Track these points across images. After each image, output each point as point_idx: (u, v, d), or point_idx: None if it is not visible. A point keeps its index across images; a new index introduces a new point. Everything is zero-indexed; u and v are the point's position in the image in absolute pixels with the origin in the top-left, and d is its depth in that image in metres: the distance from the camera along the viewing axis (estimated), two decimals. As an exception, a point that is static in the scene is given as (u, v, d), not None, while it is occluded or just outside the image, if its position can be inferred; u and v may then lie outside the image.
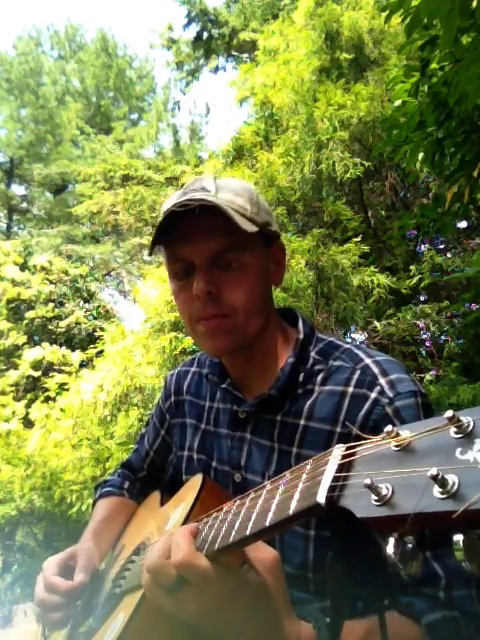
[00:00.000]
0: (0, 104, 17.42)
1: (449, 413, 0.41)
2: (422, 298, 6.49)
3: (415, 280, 5.52)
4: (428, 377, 5.00)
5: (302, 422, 1.01)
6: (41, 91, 17.44)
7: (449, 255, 6.15)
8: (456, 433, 0.41)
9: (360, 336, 6.31)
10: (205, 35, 13.01)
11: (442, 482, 0.38)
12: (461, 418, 0.41)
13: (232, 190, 1.02)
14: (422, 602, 0.85)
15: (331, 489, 0.50)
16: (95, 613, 1.12)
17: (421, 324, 5.48)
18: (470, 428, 0.40)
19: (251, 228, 0.98)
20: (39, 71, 17.85)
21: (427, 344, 5.77)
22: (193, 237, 0.99)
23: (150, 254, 1.06)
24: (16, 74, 17.25)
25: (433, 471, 0.39)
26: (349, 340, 5.81)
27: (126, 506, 1.40)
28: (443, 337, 5.74)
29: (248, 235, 0.98)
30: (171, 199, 1.04)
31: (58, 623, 1.11)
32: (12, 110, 17.49)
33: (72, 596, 1.09)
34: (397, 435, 0.46)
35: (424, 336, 5.73)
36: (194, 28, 13.07)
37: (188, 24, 12.98)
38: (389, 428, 0.47)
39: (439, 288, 6.13)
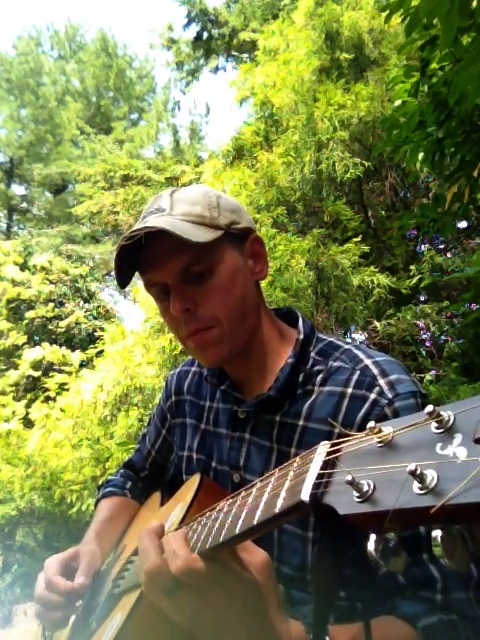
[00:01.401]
0: (0, 104, 17.45)
1: (429, 408, 0.41)
2: (422, 298, 6.49)
3: (415, 280, 5.52)
4: (428, 377, 5.01)
5: (301, 423, 1.01)
6: (41, 91, 17.47)
7: (449, 255, 6.15)
8: (437, 428, 0.40)
9: (360, 336, 6.32)
10: (205, 35, 13.03)
11: (421, 477, 0.38)
12: (441, 413, 0.40)
13: (189, 200, 1.02)
14: (418, 606, 0.84)
15: (316, 486, 0.50)
16: (95, 613, 1.12)
17: (421, 324, 5.48)
18: (450, 423, 0.40)
19: (210, 236, 0.98)
20: (39, 71, 17.88)
21: (427, 344, 5.77)
22: (157, 260, 1.00)
23: (121, 287, 1.06)
24: (16, 74, 17.29)
25: (411, 467, 0.38)
26: (349, 340, 5.81)
27: (128, 506, 1.40)
28: (443, 337, 5.74)
29: (210, 243, 0.97)
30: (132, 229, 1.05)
31: (57, 622, 1.11)
32: (12, 110, 17.54)
33: (71, 597, 1.08)
34: (380, 431, 0.46)
35: (424, 336, 5.73)
36: (194, 28, 13.11)
37: (188, 24, 13.00)
38: (372, 424, 0.47)
39: (439, 288, 6.13)
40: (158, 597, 0.75)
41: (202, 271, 1.00)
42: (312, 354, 1.07)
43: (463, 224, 6.11)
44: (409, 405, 0.92)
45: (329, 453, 0.52)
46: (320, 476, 0.50)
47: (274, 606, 0.75)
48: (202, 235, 0.96)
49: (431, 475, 0.38)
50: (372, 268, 5.43)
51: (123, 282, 1.04)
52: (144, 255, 1.00)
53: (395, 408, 0.92)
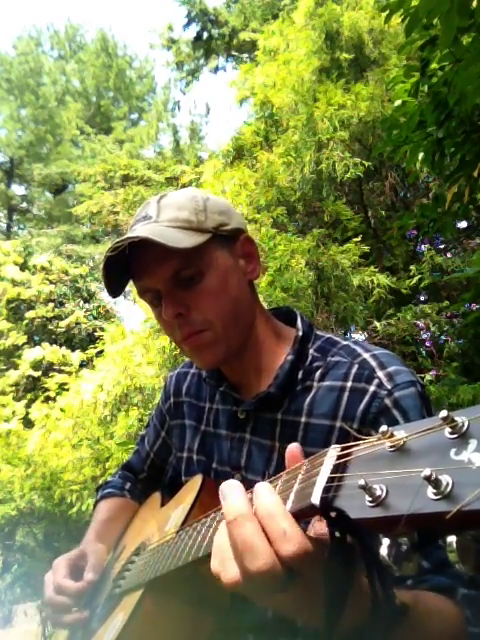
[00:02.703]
0: (0, 104, 17.44)
1: (443, 413, 0.41)
2: (422, 298, 6.48)
3: (415, 280, 5.51)
4: (428, 377, 5.00)
5: (303, 419, 1.01)
6: (41, 91, 17.47)
7: (449, 255, 6.14)
8: (451, 433, 0.40)
9: (360, 336, 6.31)
10: (205, 35, 13.02)
11: (436, 483, 0.38)
12: (456, 418, 0.40)
13: (175, 206, 1.02)
14: (450, 579, 0.84)
15: (326, 490, 0.50)
16: (96, 613, 1.12)
17: (421, 324, 5.47)
18: (464, 428, 0.39)
19: (195, 240, 0.98)
20: (39, 71, 17.88)
21: (427, 344, 5.76)
22: (146, 267, 1.01)
23: (113, 296, 1.08)
24: (16, 74, 17.29)
25: (426, 472, 0.38)
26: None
27: (128, 507, 1.41)
28: (443, 337, 5.73)
29: (197, 247, 0.98)
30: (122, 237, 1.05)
31: (69, 623, 1.14)
32: (12, 110, 17.53)
33: (81, 596, 1.11)
34: (392, 435, 0.46)
35: (424, 336, 5.72)
36: (194, 28, 13.11)
37: (188, 24, 12.99)
38: (384, 428, 0.47)
39: (439, 288, 6.13)
40: (267, 598, 0.62)
41: (192, 275, 1.00)
42: (311, 351, 1.08)
43: (463, 224, 6.10)
44: (409, 394, 0.93)
45: (340, 457, 0.52)
46: (330, 479, 0.50)
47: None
48: (187, 240, 0.97)
49: (446, 480, 0.38)
50: (372, 268, 5.42)
51: (114, 292, 1.05)
52: (135, 263, 1.01)
53: (395, 398, 0.93)
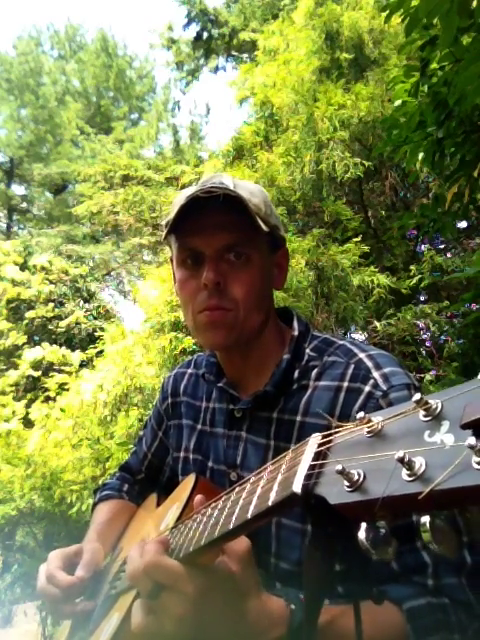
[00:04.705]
0: (0, 104, 17.43)
1: (417, 396, 0.41)
2: (422, 298, 6.47)
3: (415, 280, 5.51)
4: (428, 377, 4.99)
5: (298, 418, 1.02)
6: (41, 91, 17.45)
7: (449, 255, 6.14)
8: (425, 416, 0.41)
9: (360, 336, 6.30)
10: (205, 35, 13.02)
11: (409, 465, 0.38)
12: (429, 401, 0.41)
13: (248, 190, 1.05)
14: (407, 589, 0.85)
15: (307, 477, 0.50)
16: (93, 614, 1.12)
17: (421, 324, 5.47)
18: (438, 411, 0.40)
19: (265, 227, 1.01)
20: (39, 71, 17.86)
21: (427, 344, 5.75)
22: (206, 228, 1.01)
23: (164, 239, 1.08)
24: (16, 74, 17.27)
25: (399, 454, 0.39)
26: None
27: (126, 508, 1.41)
28: (443, 337, 5.72)
29: (259, 233, 1.00)
30: (187, 191, 1.06)
31: (60, 614, 1.14)
32: (12, 110, 17.51)
33: (71, 590, 1.10)
34: (369, 421, 0.46)
35: (424, 336, 5.72)
36: (194, 28, 13.10)
37: (188, 24, 12.98)
38: (361, 414, 0.47)
39: (439, 288, 6.12)
40: (143, 602, 0.77)
41: (240, 254, 1.03)
42: (307, 350, 1.09)
43: (463, 224, 6.07)
44: (403, 396, 0.94)
45: (320, 444, 0.52)
46: (312, 467, 0.51)
47: (253, 590, 0.76)
48: (261, 223, 1.00)
49: (419, 462, 0.38)
50: (372, 268, 5.42)
51: (168, 236, 1.08)
52: (192, 220, 1.01)
53: (390, 400, 0.93)
